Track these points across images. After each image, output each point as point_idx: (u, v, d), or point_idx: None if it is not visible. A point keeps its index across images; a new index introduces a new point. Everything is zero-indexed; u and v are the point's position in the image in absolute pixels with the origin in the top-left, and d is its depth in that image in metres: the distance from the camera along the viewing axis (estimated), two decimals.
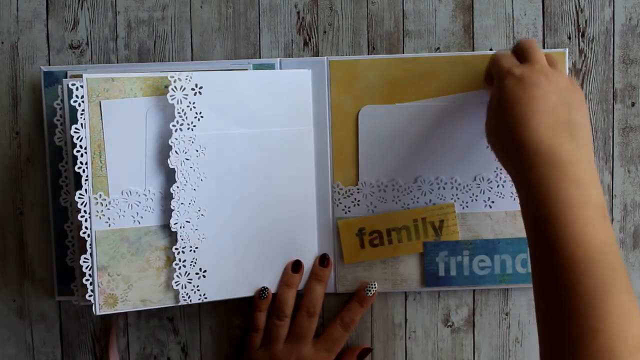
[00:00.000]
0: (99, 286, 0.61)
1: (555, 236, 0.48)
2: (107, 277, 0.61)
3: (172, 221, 0.61)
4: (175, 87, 0.60)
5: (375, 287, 0.65)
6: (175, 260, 0.62)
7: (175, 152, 0.61)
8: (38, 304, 0.68)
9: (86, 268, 0.61)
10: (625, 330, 0.45)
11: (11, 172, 0.67)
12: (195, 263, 0.62)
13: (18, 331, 0.69)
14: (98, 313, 0.61)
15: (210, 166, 0.62)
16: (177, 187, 0.61)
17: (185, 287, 0.62)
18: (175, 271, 0.62)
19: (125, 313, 0.68)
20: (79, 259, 0.61)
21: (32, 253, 0.68)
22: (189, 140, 0.61)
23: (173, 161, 0.61)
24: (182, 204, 0.61)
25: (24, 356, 0.69)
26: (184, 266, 0.62)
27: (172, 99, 0.60)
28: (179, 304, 0.62)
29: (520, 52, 0.57)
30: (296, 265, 0.65)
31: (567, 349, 0.46)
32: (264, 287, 0.64)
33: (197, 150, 0.61)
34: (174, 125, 0.60)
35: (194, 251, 0.62)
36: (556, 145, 0.51)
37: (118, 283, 0.61)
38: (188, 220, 0.62)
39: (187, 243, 0.62)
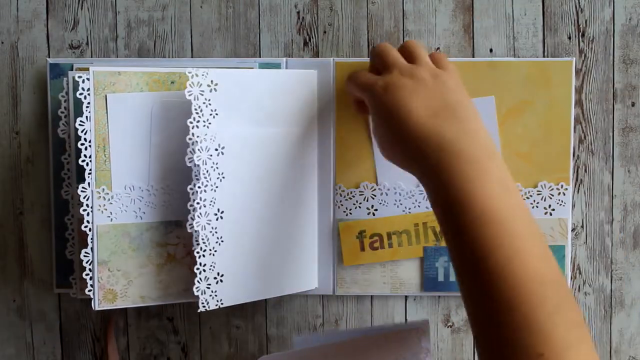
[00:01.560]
0: (98, 281, 0.61)
1: (462, 218, 0.48)
2: (107, 272, 0.61)
3: (194, 222, 0.58)
4: (192, 82, 0.58)
5: None
6: (195, 264, 0.59)
7: (196, 150, 0.58)
8: (38, 303, 0.68)
9: (86, 262, 0.60)
10: (542, 295, 0.45)
11: (11, 172, 0.67)
12: (213, 267, 0.60)
13: (18, 331, 0.69)
14: (97, 308, 0.61)
15: (229, 165, 0.60)
16: (199, 187, 0.58)
17: (205, 293, 0.60)
18: (196, 276, 0.59)
19: (125, 313, 0.68)
20: (79, 252, 0.61)
21: (32, 253, 0.68)
22: (211, 138, 0.59)
23: (195, 159, 0.58)
24: (198, 203, 0.58)
25: (24, 356, 0.69)
26: (204, 270, 0.59)
27: (189, 95, 0.58)
28: (198, 310, 0.60)
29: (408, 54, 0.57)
30: None
31: (488, 324, 0.46)
32: None
33: (216, 150, 0.59)
34: (191, 122, 0.58)
35: (213, 255, 0.60)
36: (442, 131, 0.51)
37: (118, 279, 0.61)
38: (208, 222, 0.59)
39: (207, 246, 0.59)
